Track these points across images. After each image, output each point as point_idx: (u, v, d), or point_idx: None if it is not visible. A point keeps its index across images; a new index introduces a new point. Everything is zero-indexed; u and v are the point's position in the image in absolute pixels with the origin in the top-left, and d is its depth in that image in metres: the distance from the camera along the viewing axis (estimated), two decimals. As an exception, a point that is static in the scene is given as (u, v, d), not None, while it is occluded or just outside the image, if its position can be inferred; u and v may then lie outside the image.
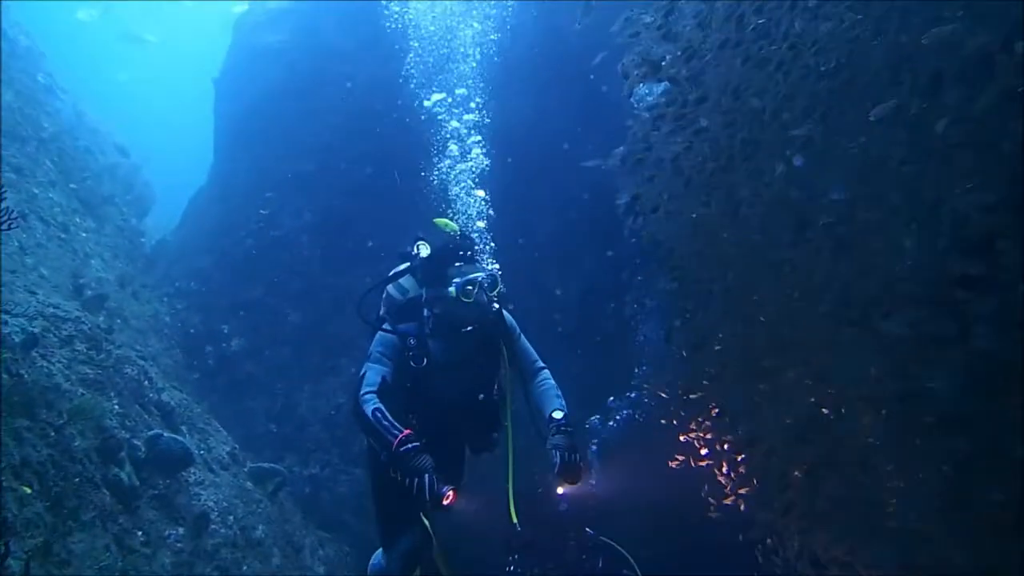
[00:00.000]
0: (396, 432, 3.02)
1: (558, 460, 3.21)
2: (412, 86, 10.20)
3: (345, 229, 10.20)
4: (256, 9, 11.36)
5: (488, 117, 8.34)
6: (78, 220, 8.28)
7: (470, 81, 8.65)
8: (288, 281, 10.12)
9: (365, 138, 10.32)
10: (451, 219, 3.59)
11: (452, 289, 3.24)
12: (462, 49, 8.80)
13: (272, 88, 10.94)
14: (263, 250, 10.21)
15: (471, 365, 3.44)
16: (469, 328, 3.29)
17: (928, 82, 2.70)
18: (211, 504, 5.43)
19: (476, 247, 3.50)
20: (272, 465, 6.85)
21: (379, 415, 3.10)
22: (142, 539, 4.56)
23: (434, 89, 9.17)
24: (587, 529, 5.00)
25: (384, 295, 3.63)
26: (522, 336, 3.64)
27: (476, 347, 3.41)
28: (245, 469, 6.62)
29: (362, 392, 3.22)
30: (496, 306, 3.40)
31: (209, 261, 10.44)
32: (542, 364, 3.64)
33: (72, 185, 8.58)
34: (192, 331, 9.38)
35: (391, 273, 3.63)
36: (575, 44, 8.93)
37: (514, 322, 3.63)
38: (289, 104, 10.79)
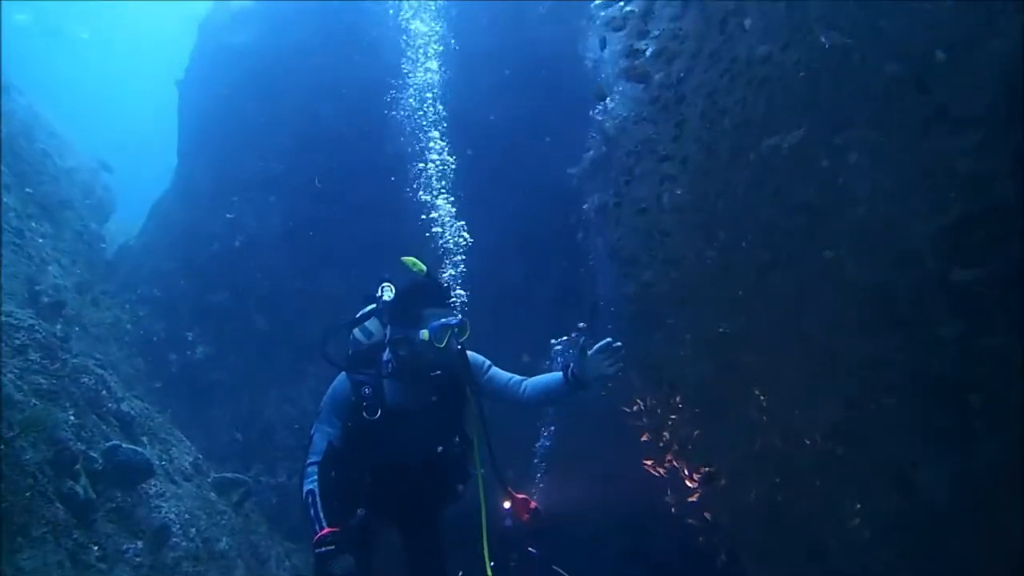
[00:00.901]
0: (318, 526, 2.92)
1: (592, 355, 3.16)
2: (381, 88, 10.15)
3: (313, 233, 10.07)
4: (221, 9, 11.16)
5: (445, 111, 8.34)
6: (34, 225, 8.02)
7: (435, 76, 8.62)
8: (254, 286, 9.96)
9: (332, 141, 10.21)
10: (419, 257, 3.46)
11: (425, 333, 3.14)
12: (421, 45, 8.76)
13: (237, 90, 10.76)
14: (228, 255, 10.03)
15: (430, 414, 3.32)
16: (437, 372, 3.21)
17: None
18: (172, 516, 5.29)
19: (446, 288, 3.41)
20: (237, 475, 6.71)
21: (311, 499, 3.00)
22: (98, 554, 4.42)
23: (400, 90, 9.15)
24: (530, 548, 4.84)
25: (351, 338, 3.52)
26: (492, 367, 3.53)
27: (439, 393, 3.31)
28: (209, 480, 6.47)
29: (306, 463, 3.14)
30: (459, 346, 3.31)
31: (173, 266, 10.22)
32: (520, 376, 3.53)
33: (28, 189, 8.32)
34: (155, 339, 9.16)
35: (357, 315, 3.52)
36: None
37: (478, 356, 3.50)
38: (254, 106, 10.62)
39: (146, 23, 29.73)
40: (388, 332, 3.31)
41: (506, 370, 3.58)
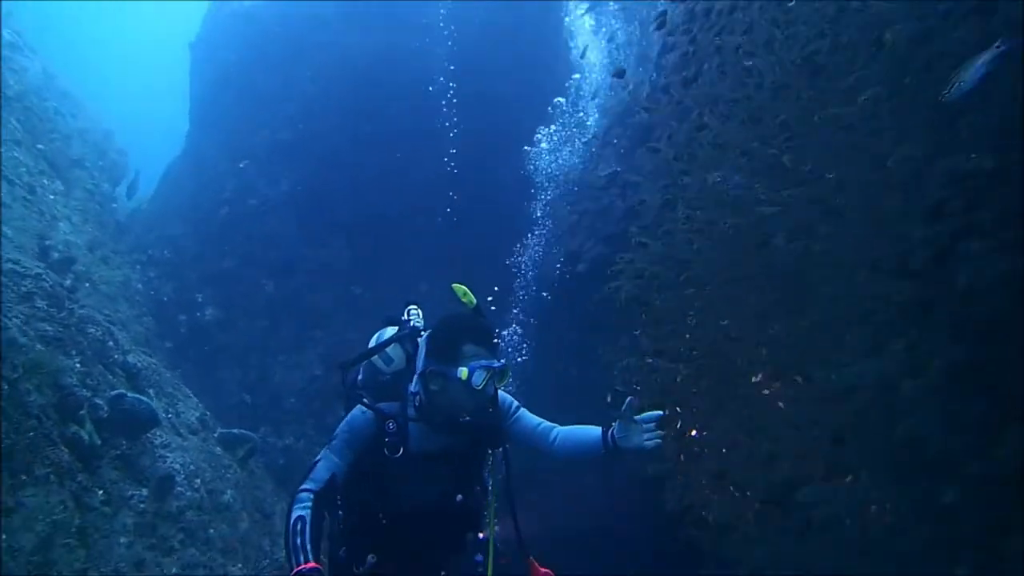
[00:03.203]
0: (302, 557, 2.65)
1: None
2: (395, 56, 10.05)
3: (322, 200, 10.05)
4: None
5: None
6: (45, 182, 8.04)
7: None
8: (264, 252, 9.97)
9: (343, 108, 10.15)
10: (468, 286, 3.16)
11: (464, 372, 2.84)
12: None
13: (248, 54, 10.71)
14: (238, 220, 10.04)
15: (452, 459, 3.04)
16: (467, 418, 2.92)
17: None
18: (177, 467, 5.33)
19: (491, 328, 3.09)
20: (243, 431, 6.74)
21: (298, 527, 2.71)
22: (102, 498, 4.46)
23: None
24: None
25: (367, 363, 3.22)
26: (520, 408, 3.27)
27: (466, 438, 3.03)
28: (215, 435, 6.51)
29: (301, 487, 2.83)
30: (495, 391, 3.04)
31: (183, 230, 10.25)
32: (550, 424, 3.23)
33: (39, 146, 8.33)
34: (165, 299, 9.22)
35: (380, 340, 3.20)
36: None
37: (507, 396, 3.24)
38: (265, 71, 10.57)
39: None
40: (420, 363, 3.00)
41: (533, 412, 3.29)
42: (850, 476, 3.17)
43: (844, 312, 3.08)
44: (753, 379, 3.59)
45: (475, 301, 3.13)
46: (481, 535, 3.29)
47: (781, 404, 3.48)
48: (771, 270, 3.38)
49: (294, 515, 2.71)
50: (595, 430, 3.08)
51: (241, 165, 9.70)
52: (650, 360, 4.15)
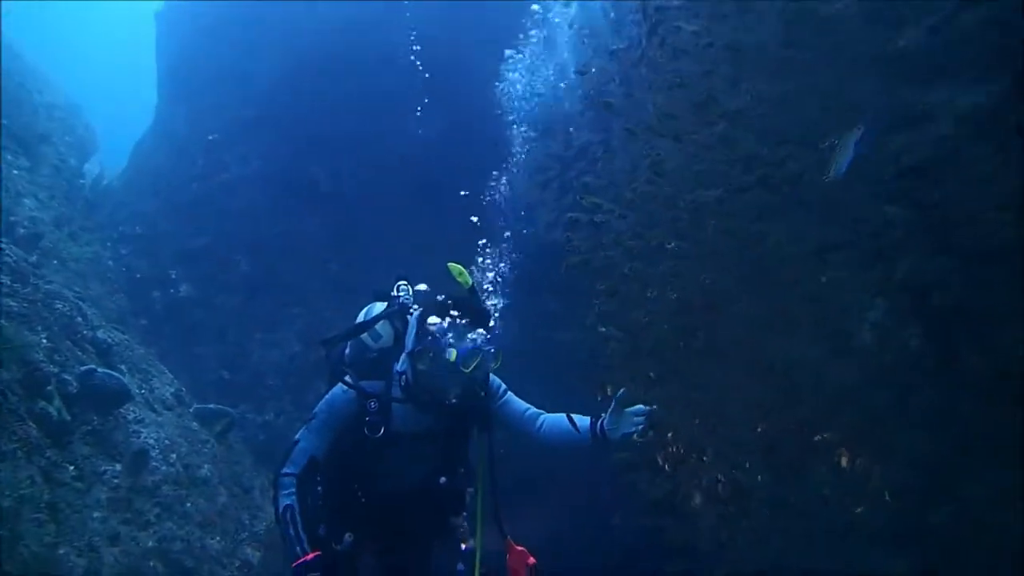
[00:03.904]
0: (299, 550, 2.62)
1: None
2: (367, 28, 9.84)
3: (297, 176, 9.89)
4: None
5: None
6: (9, 157, 7.84)
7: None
8: (238, 228, 9.81)
9: (314, 79, 9.94)
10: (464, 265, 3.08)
11: (452, 352, 2.79)
12: None
13: (215, 24, 10.42)
14: (211, 195, 9.85)
15: (436, 440, 2.99)
16: (455, 400, 2.87)
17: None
18: (152, 442, 5.31)
19: (487, 311, 3.02)
20: (220, 406, 6.71)
21: (288, 516, 2.69)
22: (74, 473, 4.43)
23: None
24: None
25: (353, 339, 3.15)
26: (508, 392, 3.19)
27: (451, 420, 2.98)
28: (191, 410, 6.48)
29: (283, 471, 2.79)
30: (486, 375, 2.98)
31: (155, 206, 10.06)
32: (537, 410, 3.18)
33: (3, 121, 8.10)
34: (138, 276, 9.08)
35: (368, 316, 3.13)
36: None
37: (495, 378, 3.15)
38: (233, 44, 10.31)
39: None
40: (410, 342, 2.95)
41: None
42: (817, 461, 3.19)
43: (802, 292, 3.08)
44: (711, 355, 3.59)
45: (471, 281, 3.07)
46: (464, 546, 3.31)
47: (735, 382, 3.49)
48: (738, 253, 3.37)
49: (281, 504, 2.72)
50: (583, 420, 3.05)
51: (210, 138, 9.49)
52: (603, 329, 4.16)
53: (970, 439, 2.54)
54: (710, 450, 3.73)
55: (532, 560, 2.99)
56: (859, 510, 2.98)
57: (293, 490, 2.74)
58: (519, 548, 3.03)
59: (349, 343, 3.16)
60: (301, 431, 2.89)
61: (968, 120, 2.48)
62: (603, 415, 2.97)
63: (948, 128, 2.53)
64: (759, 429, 3.36)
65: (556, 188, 7.56)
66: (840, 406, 3.00)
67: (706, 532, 3.76)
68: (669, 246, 3.71)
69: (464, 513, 3.17)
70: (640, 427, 2.92)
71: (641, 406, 2.96)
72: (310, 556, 2.60)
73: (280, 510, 2.71)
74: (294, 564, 2.58)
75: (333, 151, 9.69)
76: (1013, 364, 2.41)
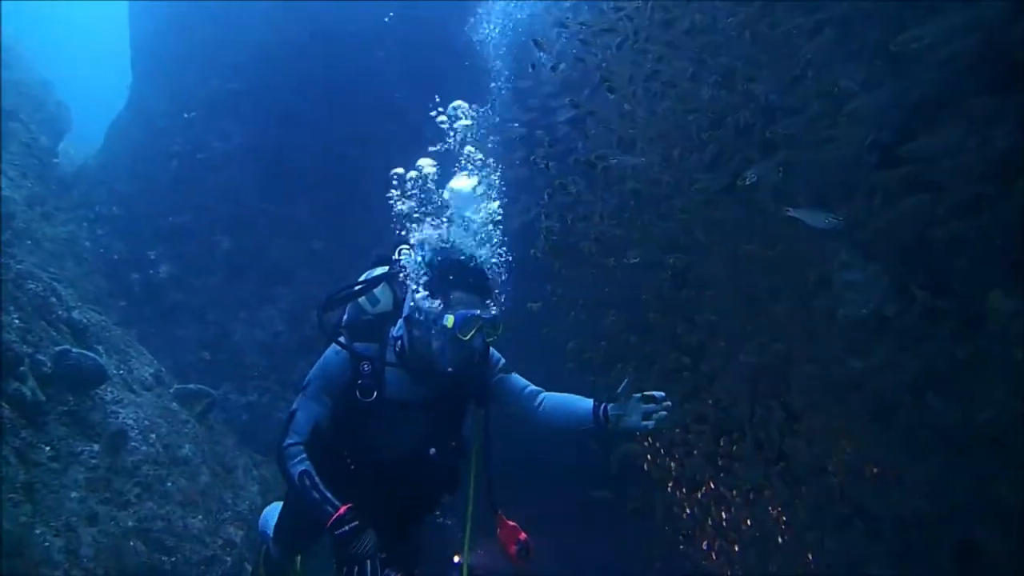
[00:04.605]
0: (330, 508, 2.56)
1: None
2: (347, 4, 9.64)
3: (280, 154, 9.73)
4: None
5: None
6: (-24, 135, 7.65)
7: None
8: (218, 206, 9.66)
9: (296, 55, 9.75)
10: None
11: (449, 319, 2.66)
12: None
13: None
14: (190, 173, 9.68)
15: (430, 411, 2.90)
16: (450, 369, 2.76)
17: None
18: (130, 422, 5.25)
19: (489, 280, 2.87)
20: (200, 386, 6.65)
21: (307, 481, 2.62)
22: (50, 454, 4.38)
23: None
24: None
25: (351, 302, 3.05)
26: (508, 367, 3.09)
27: (445, 390, 2.88)
28: (171, 391, 6.42)
29: (287, 443, 2.70)
30: (484, 344, 2.86)
31: (132, 185, 9.86)
32: (538, 388, 3.08)
33: (-32, 98, 7.89)
34: (116, 257, 8.93)
35: (367, 280, 3.01)
36: None
37: (497, 354, 3.05)
38: (211, 18, 10.07)
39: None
40: (407, 307, 2.83)
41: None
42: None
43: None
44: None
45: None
46: (456, 559, 3.23)
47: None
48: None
49: (296, 472, 2.63)
50: (586, 402, 2.97)
51: (187, 116, 9.30)
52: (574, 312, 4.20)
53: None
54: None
55: (523, 535, 2.95)
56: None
57: (304, 456, 2.68)
58: (510, 523, 2.99)
59: (347, 308, 3.07)
60: (298, 400, 2.82)
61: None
62: (605, 403, 2.88)
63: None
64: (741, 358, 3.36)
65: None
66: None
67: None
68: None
69: (456, 491, 3.10)
70: (652, 424, 2.79)
71: (654, 392, 2.82)
72: (343, 509, 2.57)
73: (296, 477, 2.64)
74: (329, 522, 2.54)
75: (316, 127, 9.54)
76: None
